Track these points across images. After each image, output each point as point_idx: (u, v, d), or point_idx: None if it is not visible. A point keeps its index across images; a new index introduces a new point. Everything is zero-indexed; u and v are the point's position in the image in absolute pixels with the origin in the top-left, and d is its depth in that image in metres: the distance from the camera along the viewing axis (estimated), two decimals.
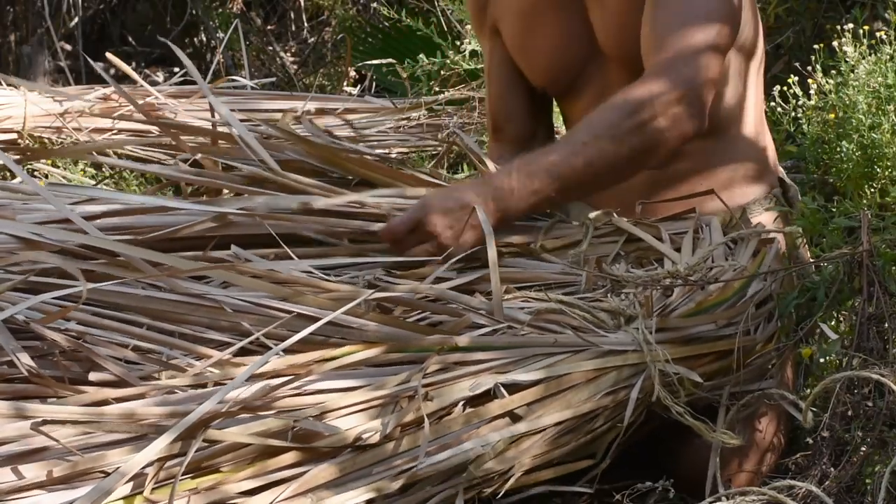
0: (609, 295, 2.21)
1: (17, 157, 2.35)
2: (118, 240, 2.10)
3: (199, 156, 2.43)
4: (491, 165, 2.43)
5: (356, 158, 2.44)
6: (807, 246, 2.50)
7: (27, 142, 4.06)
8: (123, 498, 1.70)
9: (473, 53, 4.30)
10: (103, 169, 3.73)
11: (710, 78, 2.34)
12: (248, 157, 2.37)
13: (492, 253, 2.15)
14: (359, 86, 4.99)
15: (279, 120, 2.54)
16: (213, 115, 2.47)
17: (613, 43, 2.53)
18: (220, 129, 2.51)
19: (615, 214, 2.42)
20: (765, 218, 2.53)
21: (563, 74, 2.64)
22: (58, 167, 3.87)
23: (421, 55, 4.41)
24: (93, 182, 3.76)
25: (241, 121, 3.94)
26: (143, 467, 1.71)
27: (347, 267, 2.23)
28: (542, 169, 2.29)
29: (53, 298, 1.93)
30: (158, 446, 1.72)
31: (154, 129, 3.86)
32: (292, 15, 6.33)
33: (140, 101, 4.21)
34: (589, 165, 2.28)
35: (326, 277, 2.15)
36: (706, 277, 2.23)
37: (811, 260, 2.42)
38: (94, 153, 3.12)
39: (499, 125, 2.78)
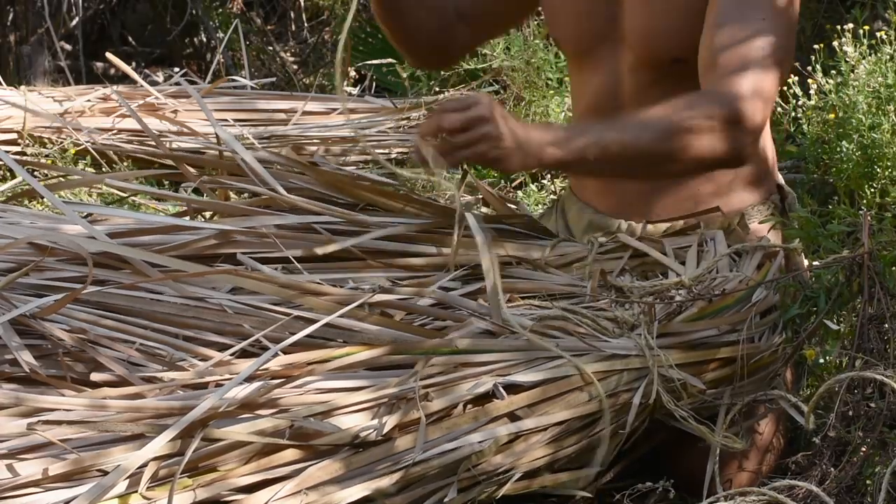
0: (613, 305, 2.21)
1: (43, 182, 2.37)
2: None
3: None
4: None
5: (364, 185, 2.43)
6: (803, 255, 2.51)
7: (27, 142, 4.07)
8: (122, 496, 1.70)
9: (473, 53, 4.29)
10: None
11: (760, 124, 2.35)
12: (255, 182, 2.36)
13: (488, 257, 2.15)
14: (359, 86, 4.98)
15: (285, 149, 2.53)
16: (219, 143, 2.47)
17: (638, 37, 2.50)
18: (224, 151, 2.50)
19: (621, 223, 2.43)
20: (762, 228, 2.53)
21: (578, 42, 2.60)
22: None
23: None
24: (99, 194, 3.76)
25: (242, 121, 3.91)
26: (142, 465, 1.71)
27: (350, 275, 2.23)
28: (594, 130, 2.26)
29: (58, 300, 1.95)
30: (158, 444, 1.72)
31: (155, 127, 3.86)
32: (292, 15, 6.32)
33: (140, 102, 4.22)
34: (632, 149, 2.26)
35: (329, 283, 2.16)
36: (710, 287, 2.23)
37: (811, 266, 2.42)
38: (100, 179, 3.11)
39: None
